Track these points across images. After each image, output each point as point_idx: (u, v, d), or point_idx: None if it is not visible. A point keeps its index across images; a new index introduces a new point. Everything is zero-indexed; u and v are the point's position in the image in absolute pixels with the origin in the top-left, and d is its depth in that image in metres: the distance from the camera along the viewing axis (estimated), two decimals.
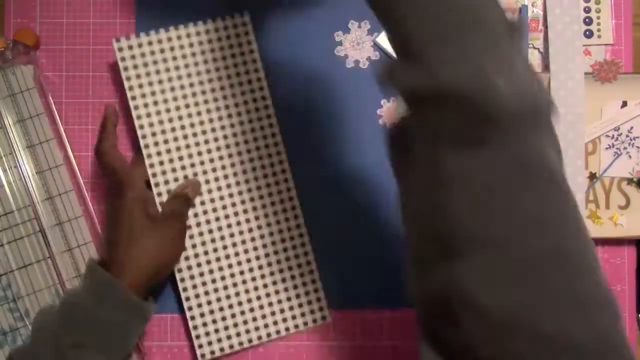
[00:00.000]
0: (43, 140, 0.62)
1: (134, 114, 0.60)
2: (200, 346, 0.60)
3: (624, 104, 0.63)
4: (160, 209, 0.59)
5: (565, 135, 0.61)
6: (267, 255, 0.61)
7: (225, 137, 0.61)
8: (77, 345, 0.49)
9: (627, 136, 0.63)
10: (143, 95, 0.60)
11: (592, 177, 0.63)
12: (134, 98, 0.60)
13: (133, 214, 0.55)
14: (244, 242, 0.61)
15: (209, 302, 0.60)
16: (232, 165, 0.61)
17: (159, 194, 0.60)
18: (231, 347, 0.60)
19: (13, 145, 0.61)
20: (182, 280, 0.60)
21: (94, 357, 0.50)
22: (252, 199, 0.61)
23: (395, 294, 0.63)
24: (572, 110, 0.61)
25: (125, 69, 0.60)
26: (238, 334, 0.60)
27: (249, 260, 0.61)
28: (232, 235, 0.61)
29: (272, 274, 0.61)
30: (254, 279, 0.61)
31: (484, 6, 0.33)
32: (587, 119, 0.62)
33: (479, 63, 0.31)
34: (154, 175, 0.60)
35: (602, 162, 0.63)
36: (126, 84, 0.60)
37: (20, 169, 0.61)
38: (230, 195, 0.61)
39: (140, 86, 0.60)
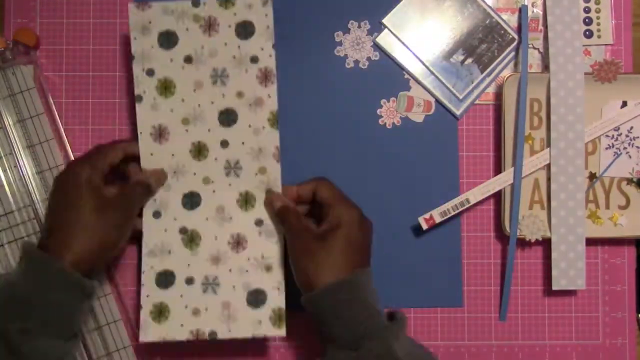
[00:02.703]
0: (43, 140, 0.62)
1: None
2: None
3: (624, 104, 0.63)
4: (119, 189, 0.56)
5: (565, 135, 0.61)
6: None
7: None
8: (24, 331, 0.48)
9: (627, 136, 0.63)
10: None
11: (592, 177, 0.63)
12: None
13: (82, 192, 0.53)
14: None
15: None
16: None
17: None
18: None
19: (13, 145, 0.61)
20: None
21: (43, 340, 0.49)
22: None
23: (401, 294, 0.63)
24: (572, 110, 0.61)
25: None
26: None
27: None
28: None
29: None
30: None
31: (373, 311, 0.52)
32: (587, 119, 0.62)
33: (389, 344, 0.49)
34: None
35: (602, 162, 0.63)
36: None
37: (20, 169, 0.61)
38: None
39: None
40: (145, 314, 0.57)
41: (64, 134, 0.62)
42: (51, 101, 0.62)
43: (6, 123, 0.61)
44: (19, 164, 0.61)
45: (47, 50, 0.63)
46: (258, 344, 0.63)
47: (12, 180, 0.61)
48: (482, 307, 0.63)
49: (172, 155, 0.59)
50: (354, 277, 0.52)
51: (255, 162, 0.59)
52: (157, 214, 0.59)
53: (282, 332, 0.57)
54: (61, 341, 0.50)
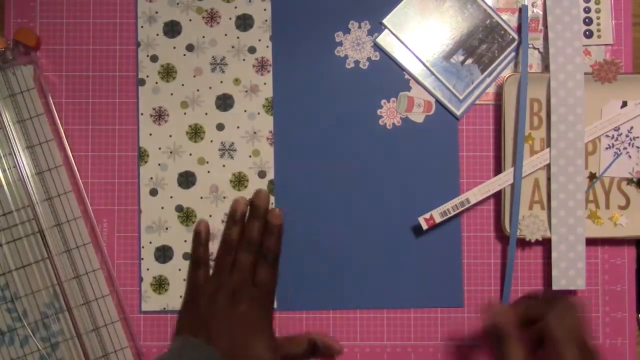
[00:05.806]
0: (43, 141, 0.62)
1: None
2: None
3: (624, 104, 0.63)
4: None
5: (565, 135, 0.61)
6: None
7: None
8: None
9: (627, 136, 0.63)
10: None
11: (592, 177, 0.63)
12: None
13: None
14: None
15: None
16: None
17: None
18: None
19: (12, 146, 0.61)
20: None
21: None
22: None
23: (401, 294, 0.63)
24: (572, 110, 0.61)
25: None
26: None
27: None
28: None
29: None
30: None
31: None
32: (587, 119, 0.62)
33: None
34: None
35: (602, 162, 0.64)
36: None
37: (20, 169, 0.61)
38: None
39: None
40: (146, 285, 0.62)
41: (63, 135, 0.62)
42: (51, 101, 0.62)
43: (6, 123, 0.61)
44: (18, 164, 0.61)
45: (47, 50, 0.63)
46: None
47: (11, 181, 0.61)
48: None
49: (170, 136, 0.63)
50: None
51: (249, 144, 0.63)
52: (154, 192, 0.63)
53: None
54: None
